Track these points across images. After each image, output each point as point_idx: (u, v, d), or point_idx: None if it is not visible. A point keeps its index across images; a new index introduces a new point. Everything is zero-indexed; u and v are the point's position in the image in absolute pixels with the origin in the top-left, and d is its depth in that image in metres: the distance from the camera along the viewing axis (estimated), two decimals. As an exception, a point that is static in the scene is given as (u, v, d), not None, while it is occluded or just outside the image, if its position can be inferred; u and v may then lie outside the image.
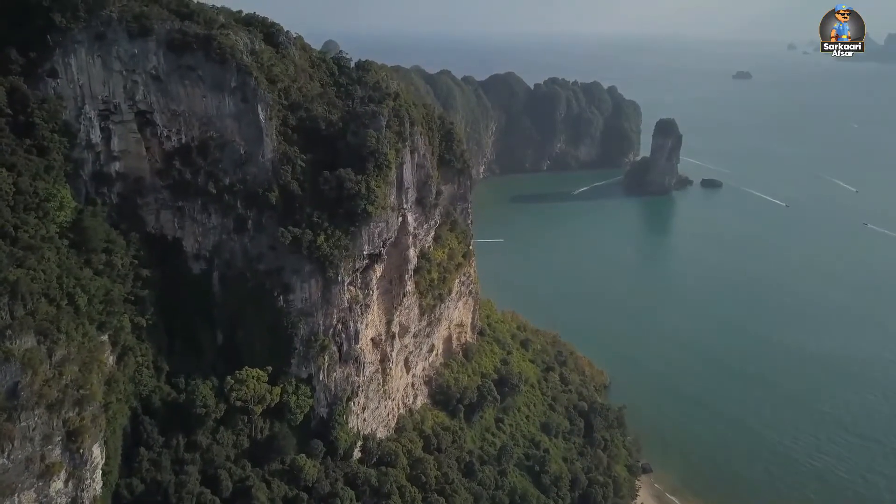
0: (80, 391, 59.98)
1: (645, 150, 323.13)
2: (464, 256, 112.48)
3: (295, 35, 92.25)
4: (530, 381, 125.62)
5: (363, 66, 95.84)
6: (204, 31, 71.98)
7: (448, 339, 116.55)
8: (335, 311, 78.28)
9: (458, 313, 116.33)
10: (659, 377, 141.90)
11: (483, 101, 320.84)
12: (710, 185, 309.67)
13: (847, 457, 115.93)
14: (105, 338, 66.16)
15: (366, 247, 78.45)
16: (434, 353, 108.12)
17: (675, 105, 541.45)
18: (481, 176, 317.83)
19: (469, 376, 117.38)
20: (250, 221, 75.50)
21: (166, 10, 78.12)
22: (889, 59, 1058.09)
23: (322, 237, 74.60)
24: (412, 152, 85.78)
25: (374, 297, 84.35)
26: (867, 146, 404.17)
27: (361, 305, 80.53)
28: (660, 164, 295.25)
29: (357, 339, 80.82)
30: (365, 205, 76.01)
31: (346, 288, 78.38)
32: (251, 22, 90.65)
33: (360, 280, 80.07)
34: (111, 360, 67.16)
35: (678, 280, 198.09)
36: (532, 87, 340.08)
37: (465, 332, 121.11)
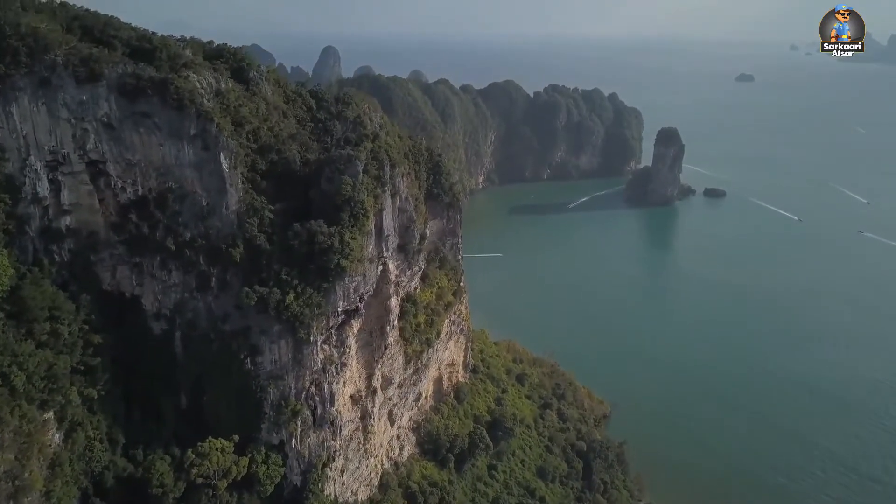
0: (16, 482, 54.07)
1: (647, 158, 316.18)
2: (454, 294, 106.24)
3: (268, 69, 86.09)
4: (526, 422, 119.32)
5: (343, 100, 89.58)
6: (159, 75, 65.74)
7: (438, 380, 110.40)
8: (308, 373, 72.10)
9: (448, 353, 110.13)
10: (661, 403, 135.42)
11: (482, 110, 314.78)
12: (713, 194, 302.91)
13: (852, 499, 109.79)
14: (49, 415, 60.24)
15: (340, 303, 72.26)
16: (422, 400, 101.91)
17: (678, 109, 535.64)
18: (480, 186, 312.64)
19: (461, 420, 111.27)
20: (214, 279, 69.39)
21: (126, 47, 72.38)
22: (892, 59, 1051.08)
23: (291, 296, 68.41)
24: (393, 196, 79.51)
25: (353, 353, 78.17)
26: (875, 153, 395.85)
27: (337, 365, 74.33)
28: (662, 173, 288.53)
29: (332, 402, 74.62)
30: (338, 259, 69.78)
31: (319, 348, 72.18)
32: (221, 54, 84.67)
33: (334, 338, 73.87)
34: (56, 438, 61.19)
35: (681, 300, 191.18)
36: (532, 94, 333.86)
37: (457, 372, 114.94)
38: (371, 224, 74.11)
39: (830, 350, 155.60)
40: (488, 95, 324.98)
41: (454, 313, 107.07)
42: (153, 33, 78.33)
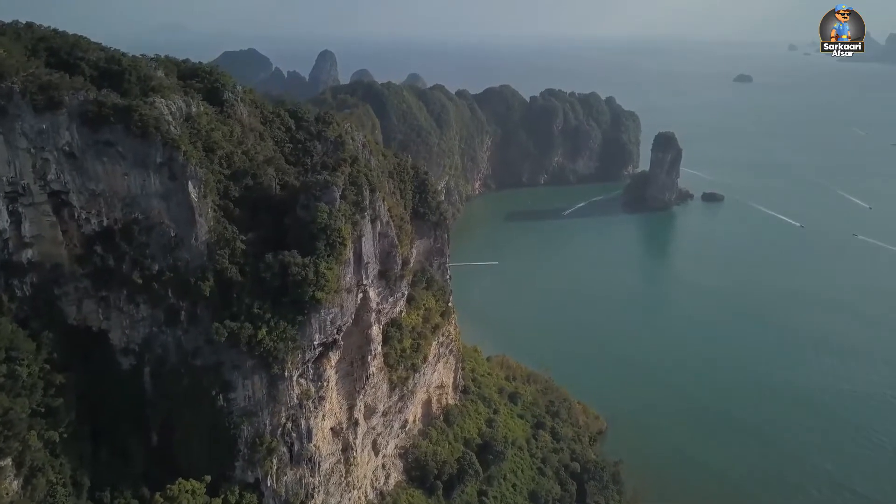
0: (-31, 537, 51.16)
1: (644, 162, 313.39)
2: (442, 315, 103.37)
3: (244, 89, 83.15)
4: (518, 443, 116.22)
5: (323, 119, 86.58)
6: (123, 102, 62.79)
7: (427, 403, 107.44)
8: (283, 408, 69.09)
9: (437, 376, 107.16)
10: (659, 417, 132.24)
11: (478, 116, 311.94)
12: (711, 198, 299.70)
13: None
14: (7, 461, 57.30)
15: (317, 336, 69.24)
16: (409, 426, 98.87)
17: (676, 111, 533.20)
18: (477, 192, 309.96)
19: (450, 444, 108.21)
20: (183, 313, 66.40)
21: (93, 69, 69.59)
22: (891, 59, 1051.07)
23: (264, 330, 65.40)
24: (373, 221, 76.54)
25: (332, 385, 75.15)
26: (875, 155, 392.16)
27: (314, 399, 71.32)
28: (659, 178, 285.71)
29: (310, 437, 71.60)
30: (313, 291, 66.78)
31: (294, 383, 69.17)
32: (196, 74, 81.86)
33: (311, 372, 70.85)
34: (15, 485, 58.20)
35: (679, 309, 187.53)
36: (528, 99, 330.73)
37: (447, 394, 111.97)
38: (349, 252, 71.08)
39: (829, 363, 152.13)
40: (484, 100, 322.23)
41: (443, 335, 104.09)
42: (123, 54, 75.51)
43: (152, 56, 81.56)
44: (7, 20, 76.70)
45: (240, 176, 72.48)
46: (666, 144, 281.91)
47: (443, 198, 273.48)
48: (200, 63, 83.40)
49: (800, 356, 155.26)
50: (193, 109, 70.82)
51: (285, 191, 75.33)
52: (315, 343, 69.41)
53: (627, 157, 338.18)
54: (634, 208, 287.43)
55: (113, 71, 70.41)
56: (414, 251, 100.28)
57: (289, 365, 67.66)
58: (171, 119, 64.88)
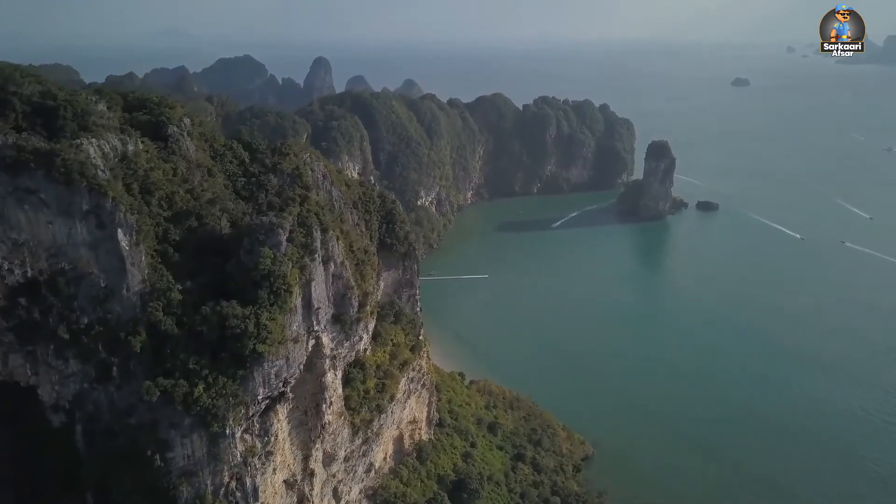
0: None
1: (639, 170, 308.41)
2: (412, 350, 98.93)
3: (194, 120, 78.77)
4: (495, 478, 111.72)
5: (279, 151, 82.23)
6: (46, 146, 58.54)
7: (399, 439, 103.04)
8: (226, 467, 64.75)
9: (409, 411, 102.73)
10: (646, 441, 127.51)
11: (469, 125, 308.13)
12: (706, 207, 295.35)
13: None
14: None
15: (260, 391, 64.89)
16: (378, 466, 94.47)
17: (671, 116, 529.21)
18: (469, 201, 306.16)
19: (423, 482, 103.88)
20: (115, 368, 62.07)
21: (26, 105, 65.31)
22: (889, 60, 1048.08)
23: (201, 386, 61.07)
24: (325, 263, 72.16)
25: (283, 438, 70.77)
26: (874, 161, 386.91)
27: (261, 456, 66.97)
28: (653, 188, 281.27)
29: (256, 496, 67.25)
30: (254, 345, 62.44)
31: (238, 439, 64.83)
32: (144, 105, 77.57)
33: (257, 427, 66.53)
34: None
35: (669, 327, 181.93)
36: (521, 107, 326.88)
37: (420, 429, 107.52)
38: (296, 299, 66.74)
39: (821, 384, 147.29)
40: (476, 109, 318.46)
41: (413, 370, 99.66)
42: (60, 88, 71.31)
43: (96, 88, 77.47)
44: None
45: (182, 217, 68.18)
46: (659, 153, 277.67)
47: (434, 209, 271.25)
48: (149, 97, 78.72)
49: (793, 379, 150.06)
50: (130, 148, 66.52)
51: (235, 230, 71.13)
52: (259, 398, 65.05)
53: (622, 165, 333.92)
54: (628, 218, 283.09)
55: (47, 107, 66.12)
56: (381, 284, 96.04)
57: (230, 422, 63.28)
58: (98, 163, 60.55)
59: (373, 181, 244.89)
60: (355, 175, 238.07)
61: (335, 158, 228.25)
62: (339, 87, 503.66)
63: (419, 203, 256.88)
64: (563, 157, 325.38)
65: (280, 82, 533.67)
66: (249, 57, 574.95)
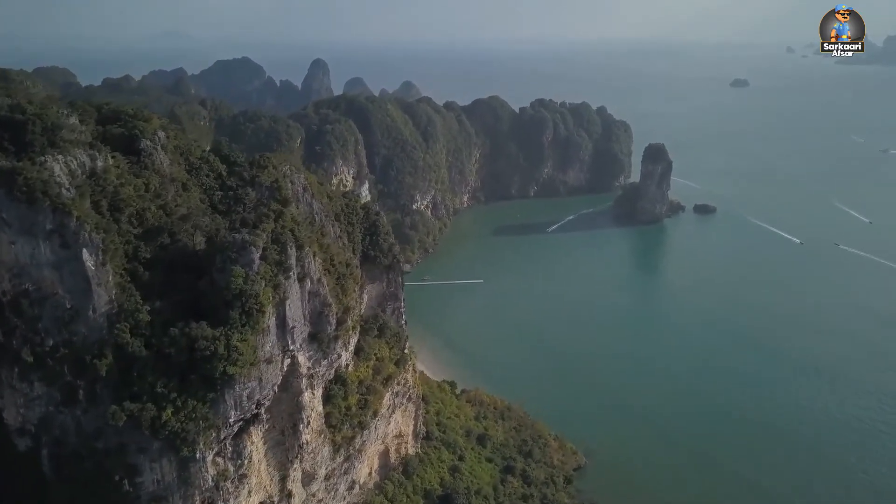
0: None
1: (637, 172, 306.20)
2: (397, 364, 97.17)
3: (170, 134, 77.08)
4: (483, 492, 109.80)
5: (258, 164, 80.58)
6: (7, 164, 56.98)
7: (385, 453, 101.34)
8: (196, 492, 63.13)
9: (394, 425, 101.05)
10: (639, 450, 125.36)
11: (466, 128, 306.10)
12: (703, 210, 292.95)
13: None
14: None
15: (232, 413, 63.22)
16: (362, 482, 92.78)
17: (670, 117, 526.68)
18: (465, 205, 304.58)
19: (409, 497, 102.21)
20: (82, 392, 60.46)
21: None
22: (888, 61, 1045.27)
23: (169, 410, 59.44)
24: (301, 280, 70.44)
25: (258, 459, 69.11)
26: (874, 163, 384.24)
27: (233, 479, 65.29)
28: (649, 191, 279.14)
29: (230, 521, 65.57)
30: (224, 367, 60.77)
31: (209, 463, 63.20)
32: (119, 118, 75.96)
33: (230, 450, 64.86)
34: None
35: (664, 333, 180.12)
36: (518, 110, 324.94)
37: (406, 443, 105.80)
38: (269, 319, 65.02)
39: (820, 393, 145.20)
40: (473, 112, 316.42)
41: (398, 384, 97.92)
42: (30, 101, 69.74)
43: (70, 101, 75.92)
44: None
45: (153, 234, 66.58)
46: (656, 156, 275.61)
47: (429, 213, 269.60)
48: (125, 110, 76.99)
49: (789, 384, 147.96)
50: (100, 164, 64.90)
51: (209, 246, 69.47)
52: (231, 420, 63.38)
53: (619, 168, 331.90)
54: (624, 221, 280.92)
55: (15, 121, 64.55)
56: (365, 297, 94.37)
57: (201, 445, 61.66)
58: (63, 181, 58.93)
59: (367, 185, 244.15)
60: (349, 179, 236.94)
61: (329, 163, 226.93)
62: (338, 89, 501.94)
63: (414, 207, 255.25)
64: (560, 160, 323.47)
65: (278, 84, 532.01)
66: (247, 59, 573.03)
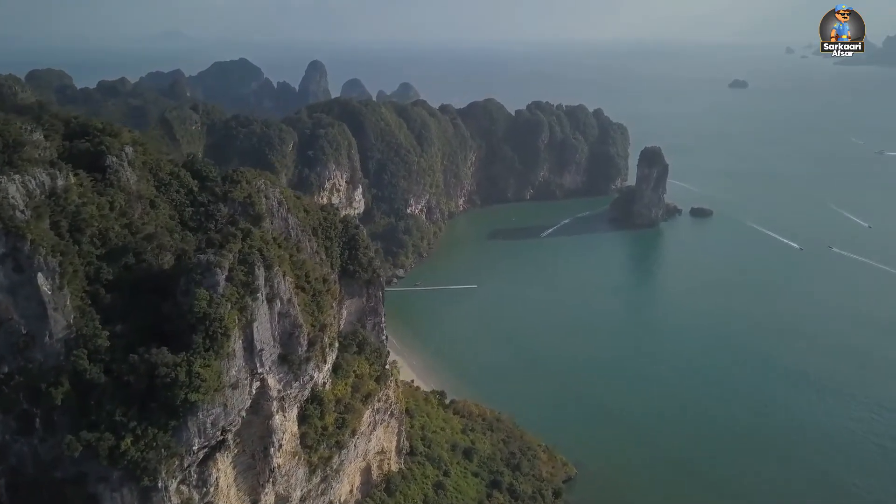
0: None
1: (633, 174, 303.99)
2: (377, 381, 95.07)
3: (137, 148, 74.99)
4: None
5: (231, 178, 78.54)
6: (-43, 186, 55.01)
7: (367, 470, 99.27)
8: (160, 522, 61.02)
9: (375, 442, 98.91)
10: (630, 462, 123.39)
11: (461, 131, 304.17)
12: (699, 214, 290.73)
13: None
14: None
15: (196, 441, 61.15)
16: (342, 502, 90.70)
17: (667, 119, 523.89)
18: (461, 208, 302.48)
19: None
20: (38, 420, 58.43)
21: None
22: (888, 61, 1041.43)
23: (128, 440, 57.38)
24: (270, 301, 68.34)
25: (226, 485, 67.06)
26: (872, 166, 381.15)
27: (199, 508, 63.24)
28: (645, 195, 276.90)
29: (195, 550, 63.50)
30: (186, 394, 58.71)
31: (173, 492, 61.13)
32: (87, 132, 73.90)
33: (195, 477, 62.81)
34: None
35: (658, 340, 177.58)
36: (513, 113, 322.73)
37: (389, 459, 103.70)
38: (234, 343, 62.92)
39: (814, 404, 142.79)
40: (468, 115, 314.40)
41: (379, 400, 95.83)
42: (-8, 116, 67.81)
43: (36, 115, 73.94)
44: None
45: (117, 254, 64.53)
46: (652, 159, 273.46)
47: (424, 217, 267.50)
48: (93, 124, 74.93)
49: (784, 394, 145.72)
50: (60, 182, 62.88)
51: (177, 266, 67.39)
52: (195, 448, 61.32)
53: (615, 171, 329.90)
54: (620, 225, 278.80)
55: (-25, 134, 62.67)
56: (344, 312, 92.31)
57: (163, 474, 59.58)
58: (17, 202, 56.90)
59: (361, 189, 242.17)
60: (343, 184, 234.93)
61: (322, 167, 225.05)
62: (335, 91, 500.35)
63: (409, 211, 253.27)
64: (556, 163, 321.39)
65: (275, 86, 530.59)
66: (245, 60, 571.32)
